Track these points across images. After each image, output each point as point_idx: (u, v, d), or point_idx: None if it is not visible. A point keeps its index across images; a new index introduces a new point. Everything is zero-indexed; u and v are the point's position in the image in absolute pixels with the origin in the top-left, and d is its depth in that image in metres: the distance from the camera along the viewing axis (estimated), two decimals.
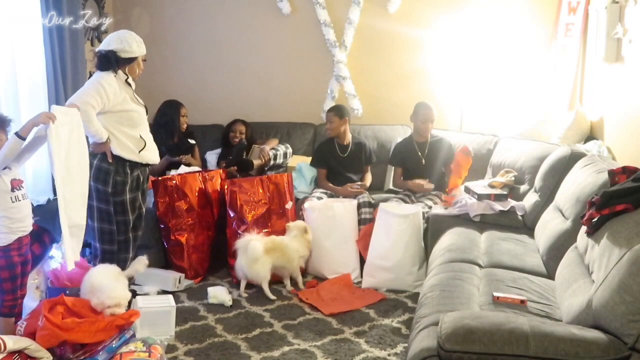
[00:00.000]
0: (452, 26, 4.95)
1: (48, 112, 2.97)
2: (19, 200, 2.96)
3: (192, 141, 4.71)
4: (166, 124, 4.59)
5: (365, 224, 4.21)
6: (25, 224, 2.99)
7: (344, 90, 5.22)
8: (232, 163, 4.64)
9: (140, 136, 3.44)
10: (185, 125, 4.69)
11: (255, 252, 3.78)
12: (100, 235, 3.46)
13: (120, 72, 3.37)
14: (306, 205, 4.26)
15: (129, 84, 3.42)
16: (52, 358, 2.80)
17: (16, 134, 2.90)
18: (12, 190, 2.94)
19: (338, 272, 4.12)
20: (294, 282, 4.02)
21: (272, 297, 3.79)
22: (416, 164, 4.50)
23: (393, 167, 4.71)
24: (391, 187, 4.79)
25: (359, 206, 4.29)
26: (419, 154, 4.50)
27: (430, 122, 4.44)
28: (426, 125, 4.44)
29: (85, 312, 2.93)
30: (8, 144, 2.89)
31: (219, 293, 3.77)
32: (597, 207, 2.44)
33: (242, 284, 3.91)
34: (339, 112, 4.55)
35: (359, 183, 4.51)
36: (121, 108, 3.35)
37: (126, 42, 3.35)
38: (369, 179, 4.66)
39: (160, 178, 4.13)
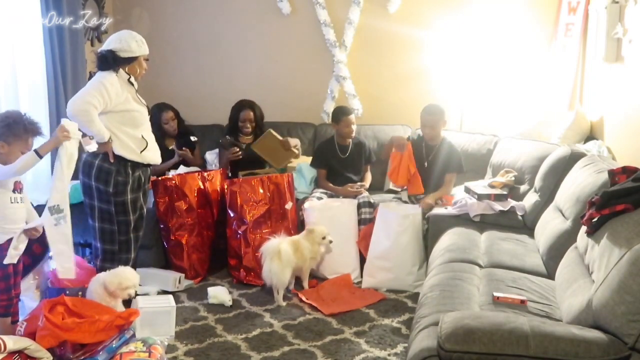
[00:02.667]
0: (452, 26, 4.95)
1: (64, 128, 3.02)
2: (17, 202, 3.01)
3: (194, 138, 4.71)
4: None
5: (365, 224, 4.21)
6: (19, 226, 3.03)
7: (344, 90, 5.23)
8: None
9: (142, 136, 3.43)
10: (173, 130, 4.66)
11: (289, 257, 3.73)
12: (102, 235, 3.46)
13: (121, 71, 3.37)
14: (306, 205, 4.26)
15: (132, 83, 3.42)
16: (52, 358, 2.80)
17: (35, 151, 2.94)
18: (14, 191, 2.97)
19: (338, 272, 4.12)
20: (297, 282, 4.02)
21: (283, 303, 3.74)
22: (419, 166, 4.38)
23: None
24: (391, 187, 4.78)
25: (359, 206, 4.28)
26: (424, 155, 4.38)
27: (429, 127, 4.28)
28: (425, 130, 4.32)
29: (86, 312, 2.93)
30: (25, 158, 2.93)
31: (219, 293, 3.77)
32: (597, 207, 2.44)
33: (280, 293, 3.74)
34: (352, 113, 4.59)
35: (360, 183, 4.51)
36: (123, 108, 3.34)
37: (125, 41, 3.35)
38: (368, 178, 4.66)
39: (160, 178, 4.13)
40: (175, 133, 4.70)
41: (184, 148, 4.59)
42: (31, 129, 3.02)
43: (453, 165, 4.33)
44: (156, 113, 4.63)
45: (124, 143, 3.36)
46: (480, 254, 3.30)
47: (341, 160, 4.58)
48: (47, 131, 4.09)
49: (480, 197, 3.91)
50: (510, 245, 3.42)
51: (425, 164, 4.39)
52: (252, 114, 4.65)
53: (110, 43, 3.36)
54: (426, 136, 4.36)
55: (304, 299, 3.76)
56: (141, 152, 3.42)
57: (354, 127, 4.53)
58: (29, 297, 3.34)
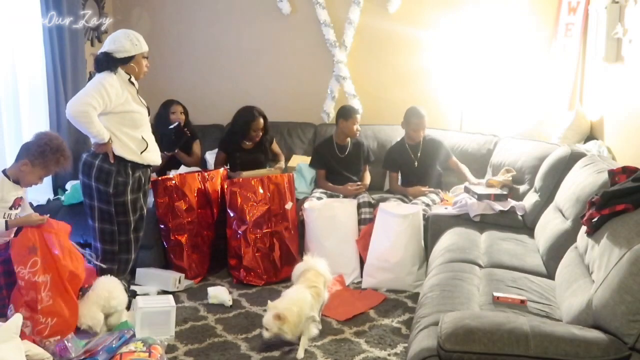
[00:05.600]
0: (452, 26, 4.95)
1: (43, 218, 3.04)
2: (11, 218, 3.03)
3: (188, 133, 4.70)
4: (158, 124, 4.61)
5: (365, 224, 4.21)
6: (5, 238, 3.07)
7: (344, 90, 5.22)
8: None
9: (142, 137, 3.43)
10: (178, 122, 4.68)
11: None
12: (102, 235, 3.46)
13: (120, 71, 3.36)
14: (306, 205, 4.26)
15: (132, 83, 3.41)
16: (52, 358, 2.80)
17: (5, 221, 3.01)
18: (11, 208, 3.01)
19: (338, 272, 4.10)
20: None
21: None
22: (410, 167, 4.50)
23: (388, 172, 4.68)
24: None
25: (359, 206, 4.28)
26: (412, 156, 4.50)
27: (421, 130, 4.45)
28: (417, 134, 4.46)
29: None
30: None
31: (219, 293, 3.77)
32: (597, 207, 2.44)
33: None
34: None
35: (359, 183, 4.51)
36: (123, 109, 3.34)
37: (119, 42, 3.33)
38: (367, 178, 4.66)
39: (160, 178, 4.13)
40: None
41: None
42: (62, 164, 3.09)
43: (447, 152, 4.54)
44: (165, 107, 4.70)
45: (124, 144, 3.36)
46: (480, 254, 3.30)
47: (340, 160, 4.58)
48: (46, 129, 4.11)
49: (480, 197, 3.91)
50: (510, 245, 3.42)
51: (416, 163, 4.50)
52: (262, 122, 4.61)
53: (106, 45, 3.36)
54: (417, 138, 4.49)
55: None
56: (141, 153, 3.42)
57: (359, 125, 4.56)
58: None
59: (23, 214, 3.13)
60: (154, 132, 3.60)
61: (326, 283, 3.47)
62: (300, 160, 4.82)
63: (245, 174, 4.39)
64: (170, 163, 4.53)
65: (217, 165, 4.64)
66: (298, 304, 3.09)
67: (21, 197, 3.09)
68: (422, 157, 4.50)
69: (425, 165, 4.50)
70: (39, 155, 3.03)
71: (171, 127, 4.42)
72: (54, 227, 3.06)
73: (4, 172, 3.07)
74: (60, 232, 3.08)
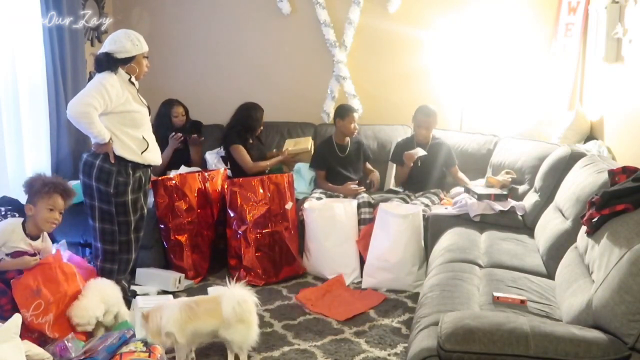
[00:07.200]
0: (452, 26, 4.96)
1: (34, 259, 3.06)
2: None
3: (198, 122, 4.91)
4: (160, 124, 4.63)
5: (365, 224, 4.21)
6: None
7: (344, 90, 5.23)
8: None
9: (143, 137, 3.43)
10: (182, 124, 4.76)
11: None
12: (102, 235, 3.45)
13: (121, 71, 3.36)
14: (306, 205, 4.26)
15: (132, 83, 3.41)
16: (52, 358, 2.80)
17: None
18: (7, 255, 3.06)
19: (338, 272, 4.11)
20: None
21: None
22: (414, 164, 4.48)
23: (395, 165, 4.70)
24: (392, 187, 4.79)
25: (359, 206, 4.29)
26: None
27: (424, 129, 4.44)
28: (420, 131, 4.46)
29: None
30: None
31: None
32: (597, 207, 2.44)
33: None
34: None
35: (369, 180, 4.60)
36: (124, 109, 3.34)
37: (119, 42, 3.33)
38: (376, 175, 4.70)
39: (160, 178, 4.13)
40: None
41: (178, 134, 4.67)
42: (51, 183, 3.08)
43: (452, 159, 4.52)
44: (166, 107, 4.73)
45: (125, 144, 3.36)
46: (480, 254, 3.30)
47: (340, 159, 4.58)
48: (46, 131, 4.11)
49: (480, 197, 3.92)
50: (510, 245, 3.42)
51: (419, 162, 4.47)
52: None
53: (106, 45, 3.36)
54: (420, 137, 4.50)
55: (312, 310, 3.65)
56: (142, 153, 3.42)
57: (356, 124, 4.58)
58: None
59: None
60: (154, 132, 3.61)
61: (223, 317, 2.89)
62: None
63: (292, 150, 4.72)
64: (170, 163, 4.54)
65: (247, 160, 4.54)
66: (161, 313, 2.94)
67: (22, 251, 3.10)
68: (427, 158, 4.46)
69: (429, 166, 4.48)
70: (29, 190, 3.09)
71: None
72: (49, 261, 3.08)
73: (23, 223, 3.12)
74: (57, 261, 3.10)
